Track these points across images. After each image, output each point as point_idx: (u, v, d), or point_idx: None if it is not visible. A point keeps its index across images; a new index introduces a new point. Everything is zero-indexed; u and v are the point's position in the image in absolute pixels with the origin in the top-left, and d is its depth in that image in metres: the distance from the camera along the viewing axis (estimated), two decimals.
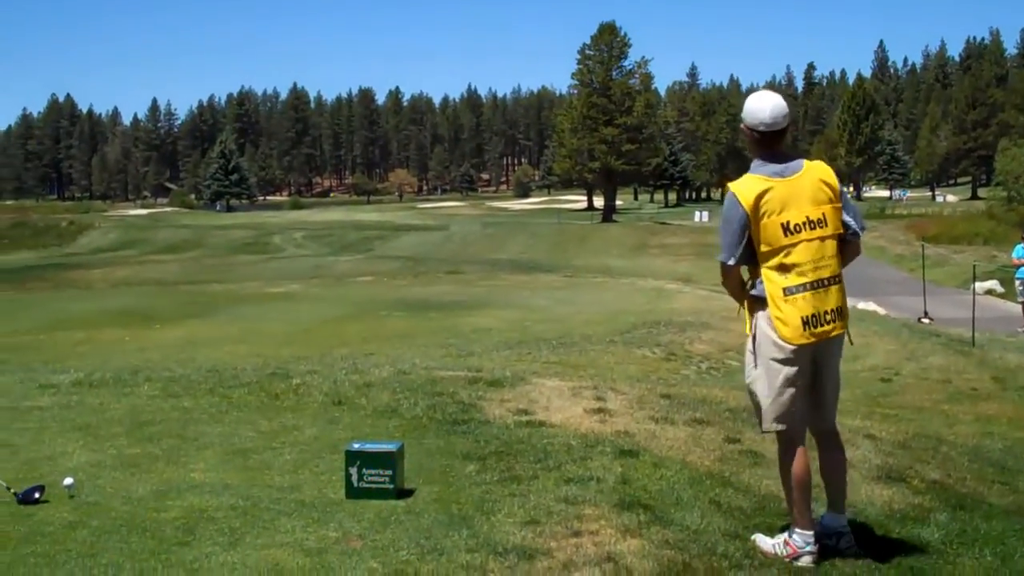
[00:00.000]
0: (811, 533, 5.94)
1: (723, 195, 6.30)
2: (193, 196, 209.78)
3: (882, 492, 7.32)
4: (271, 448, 8.28)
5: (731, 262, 5.86)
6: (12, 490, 6.88)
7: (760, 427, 6.11)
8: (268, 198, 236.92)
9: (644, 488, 7.04)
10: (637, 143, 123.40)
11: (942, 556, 6.07)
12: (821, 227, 5.87)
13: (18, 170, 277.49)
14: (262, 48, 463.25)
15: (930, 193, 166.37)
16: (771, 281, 5.82)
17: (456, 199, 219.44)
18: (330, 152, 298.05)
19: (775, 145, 5.99)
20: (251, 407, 9.99)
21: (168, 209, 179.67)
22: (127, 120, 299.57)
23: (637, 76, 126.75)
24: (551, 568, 5.60)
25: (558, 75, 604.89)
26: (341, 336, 19.43)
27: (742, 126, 6.08)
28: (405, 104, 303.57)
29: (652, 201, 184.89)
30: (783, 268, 5.81)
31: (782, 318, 5.79)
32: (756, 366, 5.97)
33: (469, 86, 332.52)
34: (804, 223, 5.82)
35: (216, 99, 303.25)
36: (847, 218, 5.99)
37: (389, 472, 6.81)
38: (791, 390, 5.88)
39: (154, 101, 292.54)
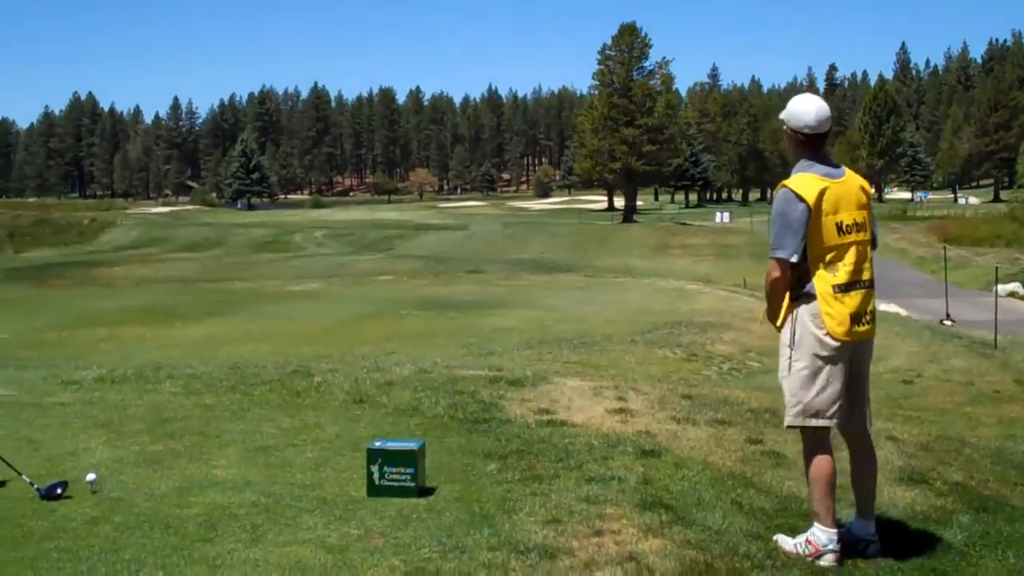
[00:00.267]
0: (835, 531, 5.92)
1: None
2: (214, 194, 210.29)
3: (905, 494, 7.29)
4: (293, 445, 8.29)
5: (794, 258, 5.84)
6: (35, 486, 6.91)
7: (790, 423, 6.05)
8: (289, 197, 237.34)
9: (666, 488, 7.03)
10: (658, 143, 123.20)
11: (964, 558, 6.04)
12: (863, 231, 5.95)
13: (40, 168, 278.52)
14: (283, 47, 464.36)
15: (952, 195, 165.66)
16: (822, 279, 5.83)
17: (476, 199, 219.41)
18: (351, 151, 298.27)
19: (820, 148, 6.04)
20: (273, 404, 10.01)
21: (189, 207, 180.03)
22: (149, 118, 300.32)
23: (658, 77, 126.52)
24: (573, 567, 5.60)
25: (579, 75, 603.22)
26: (362, 335, 19.46)
27: (785, 128, 6.09)
28: (426, 103, 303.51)
29: (673, 202, 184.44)
30: (834, 267, 5.84)
31: (832, 314, 5.81)
32: (796, 362, 5.95)
33: (490, 86, 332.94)
34: (853, 225, 5.88)
35: (237, 98, 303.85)
36: (873, 228, 6.06)
37: (410, 470, 6.81)
38: (831, 387, 5.88)
39: (175, 100, 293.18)
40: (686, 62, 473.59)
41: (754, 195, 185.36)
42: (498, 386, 10.55)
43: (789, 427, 6.15)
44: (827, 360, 5.85)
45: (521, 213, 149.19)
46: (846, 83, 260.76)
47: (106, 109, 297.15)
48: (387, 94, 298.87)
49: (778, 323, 6.03)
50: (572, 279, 39.81)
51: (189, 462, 7.80)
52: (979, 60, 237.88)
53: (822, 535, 5.91)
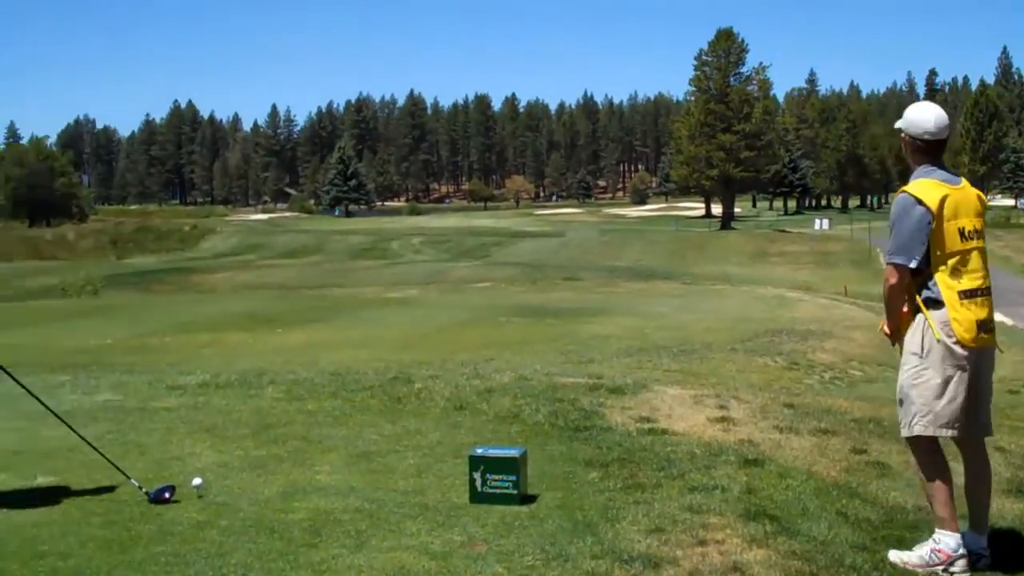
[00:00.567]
0: (959, 535, 5.83)
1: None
2: (312, 201, 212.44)
3: (1013, 506, 7.15)
4: (395, 451, 8.33)
5: (912, 264, 5.76)
6: (144, 489, 7.01)
7: (919, 432, 5.92)
8: (386, 203, 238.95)
9: (770, 498, 6.96)
10: (755, 150, 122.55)
11: None
12: (982, 238, 5.90)
13: (142, 175, 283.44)
14: (380, 55, 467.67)
15: None
16: (946, 285, 5.75)
17: (572, 206, 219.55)
18: (447, 158, 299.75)
19: (938, 155, 5.98)
20: (374, 411, 10.07)
21: (288, 214, 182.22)
22: (247, 126, 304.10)
23: (755, 82, 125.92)
24: None
25: (675, 81, 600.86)
26: (460, 341, 19.50)
27: (903, 136, 6.02)
28: (521, 110, 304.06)
29: (771, 209, 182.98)
30: (958, 272, 5.76)
31: (960, 320, 5.72)
32: (925, 370, 5.85)
33: (585, 92, 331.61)
34: (973, 231, 5.83)
35: (335, 105, 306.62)
36: None
37: (512, 477, 6.81)
38: (960, 396, 5.79)
39: (274, 107, 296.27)
40: (784, 67, 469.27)
41: (853, 202, 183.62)
42: (598, 394, 10.51)
43: (911, 437, 6.00)
44: (956, 368, 5.76)
45: (617, 220, 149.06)
46: (947, 88, 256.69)
47: (206, 117, 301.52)
48: (483, 101, 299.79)
49: (899, 331, 5.95)
50: (670, 286, 39.68)
51: (293, 467, 7.87)
52: None
53: (950, 540, 5.81)
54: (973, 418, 5.96)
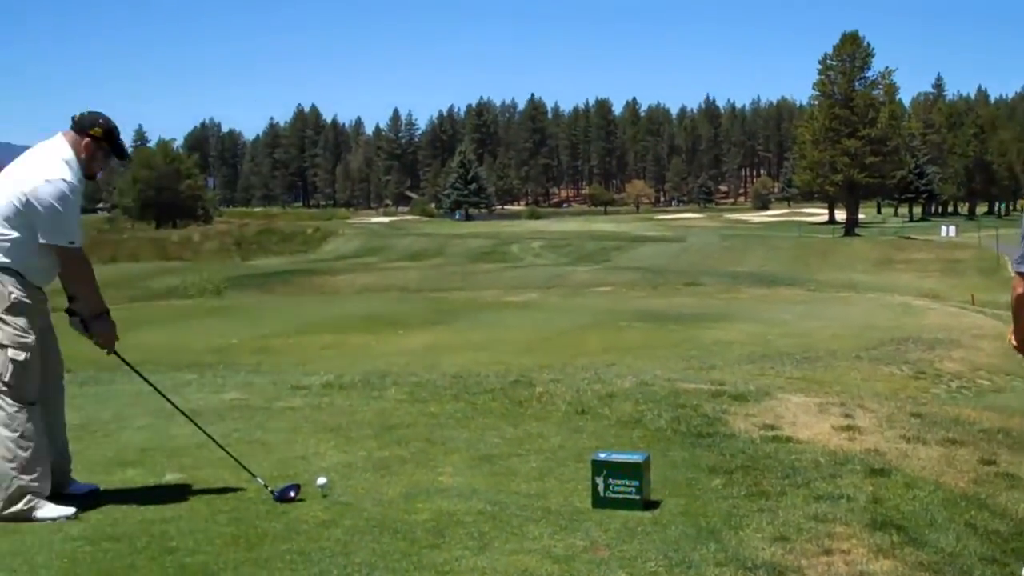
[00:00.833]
0: None
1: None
2: (433, 205, 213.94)
3: None
4: (517, 455, 8.34)
5: None
6: (269, 488, 7.10)
7: None
8: (505, 207, 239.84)
9: (896, 508, 6.84)
10: (881, 155, 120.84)
11: None
12: None
13: (266, 178, 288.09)
14: (500, 59, 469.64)
15: None
16: None
17: (693, 210, 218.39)
18: (567, 162, 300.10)
19: None
20: (496, 413, 10.09)
21: (408, 217, 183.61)
22: (370, 130, 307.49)
23: (881, 86, 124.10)
24: None
25: (798, 86, 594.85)
26: (580, 346, 19.49)
27: None
28: (642, 115, 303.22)
29: (896, 215, 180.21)
30: None
31: None
32: None
33: (707, 97, 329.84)
34: None
35: (455, 109, 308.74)
36: None
37: (635, 483, 6.77)
38: None
39: (396, 111, 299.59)
40: (910, 72, 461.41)
41: (981, 208, 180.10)
42: (721, 400, 10.44)
43: None
44: None
45: (739, 225, 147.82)
46: None
47: (329, 121, 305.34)
48: (603, 105, 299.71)
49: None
50: (793, 293, 39.23)
51: (416, 468, 7.92)
52: None
53: None
54: None
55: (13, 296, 6.62)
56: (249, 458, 7.78)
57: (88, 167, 6.88)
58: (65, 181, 6.62)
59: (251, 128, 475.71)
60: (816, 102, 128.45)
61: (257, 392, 11.76)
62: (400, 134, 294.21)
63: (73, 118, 6.96)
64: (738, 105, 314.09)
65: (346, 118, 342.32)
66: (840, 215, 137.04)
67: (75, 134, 6.85)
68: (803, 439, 8.80)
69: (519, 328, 23.55)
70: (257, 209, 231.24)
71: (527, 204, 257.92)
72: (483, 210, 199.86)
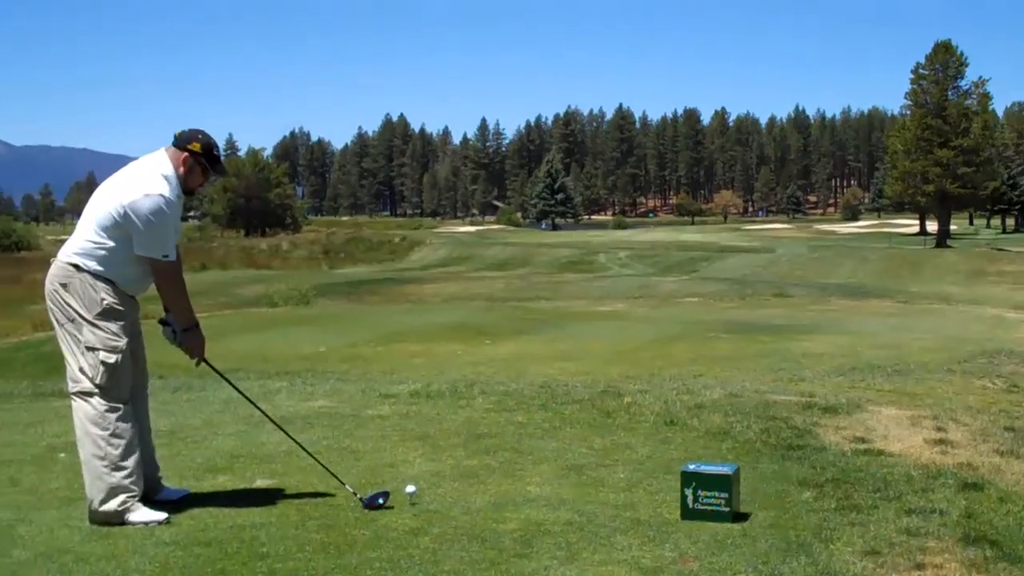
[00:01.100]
0: None
1: None
2: (519, 214, 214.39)
3: None
4: (604, 465, 8.33)
5: None
6: (357, 495, 7.15)
7: None
8: (592, 217, 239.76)
9: (990, 523, 6.74)
10: (974, 166, 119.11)
11: None
12: None
13: (354, 187, 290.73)
14: (588, 69, 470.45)
15: None
16: None
17: (782, 221, 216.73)
18: (654, 172, 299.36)
19: None
20: (583, 424, 10.09)
21: (495, 227, 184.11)
22: (457, 139, 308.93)
23: (974, 96, 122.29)
24: None
25: (890, 95, 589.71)
26: (668, 356, 19.38)
27: None
28: (731, 124, 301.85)
29: (988, 227, 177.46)
30: None
31: None
32: None
33: (796, 106, 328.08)
34: None
35: (543, 119, 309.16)
36: None
37: (725, 495, 6.73)
38: None
39: (483, 121, 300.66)
40: (1003, 82, 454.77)
41: None
42: (811, 412, 10.36)
43: None
44: None
45: (828, 236, 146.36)
46: None
47: (416, 131, 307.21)
48: (691, 115, 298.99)
49: None
50: (884, 305, 38.71)
51: (504, 478, 7.93)
52: None
53: None
54: None
55: (105, 303, 6.77)
56: (338, 465, 7.85)
57: (186, 182, 7.01)
58: (163, 196, 6.75)
59: (340, 137, 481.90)
60: (908, 112, 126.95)
61: (346, 400, 11.87)
62: (487, 143, 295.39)
63: (175, 135, 7.11)
64: (828, 115, 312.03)
65: (434, 127, 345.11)
66: (932, 226, 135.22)
67: (176, 149, 7.00)
68: (894, 452, 8.71)
69: (606, 338, 23.46)
70: (345, 218, 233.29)
71: (614, 214, 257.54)
72: (570, 220, 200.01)
